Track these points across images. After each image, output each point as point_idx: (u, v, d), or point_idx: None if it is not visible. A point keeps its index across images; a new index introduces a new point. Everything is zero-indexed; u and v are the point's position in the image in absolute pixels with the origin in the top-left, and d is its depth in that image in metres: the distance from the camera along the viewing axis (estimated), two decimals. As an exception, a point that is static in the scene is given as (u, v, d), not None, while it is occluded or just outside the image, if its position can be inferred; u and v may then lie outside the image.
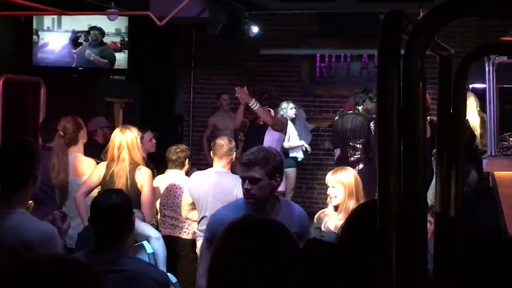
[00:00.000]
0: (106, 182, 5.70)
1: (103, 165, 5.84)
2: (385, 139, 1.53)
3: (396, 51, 1.50)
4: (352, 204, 5.00)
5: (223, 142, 6.17)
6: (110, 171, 5.74)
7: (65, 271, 1.46)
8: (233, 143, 6.30)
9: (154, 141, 6.96)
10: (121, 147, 5.75)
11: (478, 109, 8.26)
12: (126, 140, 5.76)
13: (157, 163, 7.31)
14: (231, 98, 10.54)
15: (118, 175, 5.69)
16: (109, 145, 5.83)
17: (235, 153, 6.25)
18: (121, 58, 9.71)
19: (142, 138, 6.68)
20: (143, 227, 5.26)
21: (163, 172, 7.04)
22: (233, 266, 1.84)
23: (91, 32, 9.60)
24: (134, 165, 5.76)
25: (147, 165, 6.14)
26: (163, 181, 6.78)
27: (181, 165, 6.82)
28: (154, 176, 6.71)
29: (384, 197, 1.48)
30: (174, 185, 6.70)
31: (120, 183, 5.62)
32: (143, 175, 5.76)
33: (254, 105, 7.43)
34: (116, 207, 3.65)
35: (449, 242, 2.13)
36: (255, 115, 7.61)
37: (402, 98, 1.49)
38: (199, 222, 6.11)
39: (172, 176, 6.80)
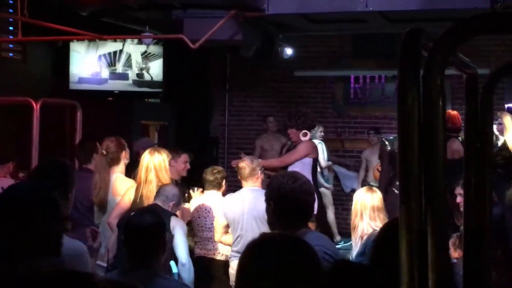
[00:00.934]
0: (137, 205, 5.77)
1: (133, 188, 5.91)
2: (406, 157, 1.54)
3: (415, 68, 1.51)
4: (358, 224, 5.27)
5: (244, 165, 6.28)
6: (139, 194, 5.81)
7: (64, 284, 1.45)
8: (256, 162, 6.38)
9: (188, 165, 7.01)
10: (148, 169, 5.83)
11: None
12: (153, 162, 5.86)
13: (193, 184, 7.38)
14: (276, 120, 10.64)
15: (146, 197, 5.75)
16: (138, 167, 5.92)
17: (259, 171, 6.32)
18: (155, 73, 9.80)
19: (177, 158, 6.78)
20: (176, 248, 5.28)
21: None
22: (254, 282, 1.85)
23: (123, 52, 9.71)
24: (161, 187, 5.82)
25: (181, 189, 6.21)
26: (200, 203, 6.80)
27: (218, 186, 6.85)
28: (187, 198, 6.75)
29: (405, 213, 1.49)
30: (211, 206, 6.72)
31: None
32: None
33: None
34: (148, 226, 3.69)
35: (478, 263, 2.12)
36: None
37: (422, 115, 1.51)
38: (234, 241, 6.13)
39: (210, 197, 6.82)
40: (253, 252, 1.91)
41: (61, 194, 3.48)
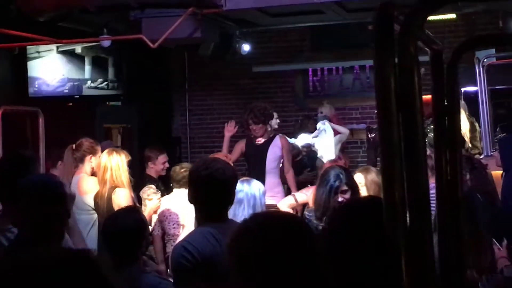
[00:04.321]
0: (96, 205, 5.82)
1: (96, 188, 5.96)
2: (385, 127, 1.60)
3: (390, 40, 1.57)
4: None
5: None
6: (99, 195, 5.87)
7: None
8: None
9: (167, 164, 7.13)
10: (105, 169, 5.86)
11: (467, 113, 8.35)
12: (111, 163, 5.87)
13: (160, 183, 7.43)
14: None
15: (101, 197, 5.80)
16: (97, 168, 5.96)
17: None
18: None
19: (155, 160, 6.87)
20: None
21: (168, 193, 7.09)
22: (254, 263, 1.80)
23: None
24: (112, 188, 5.87)
25: (158, 187, 6.33)
26: (169, 201, 6.80)
27: (185, 185, 6.83)
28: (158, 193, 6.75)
29: (386, 181, 1.55)
30: (182, 204, 6.70)
31: (105, 205, 5.73)
32: (118, 197, 5.83)
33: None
34: (125, 231, 3.70)
35: (453, 239, 2.17)
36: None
37: (399, 85, 1.57)
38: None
39: (179, 196, 6.82)
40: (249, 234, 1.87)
41: None
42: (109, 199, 5.80)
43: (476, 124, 8.41)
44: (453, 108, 2.28)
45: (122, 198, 5.80)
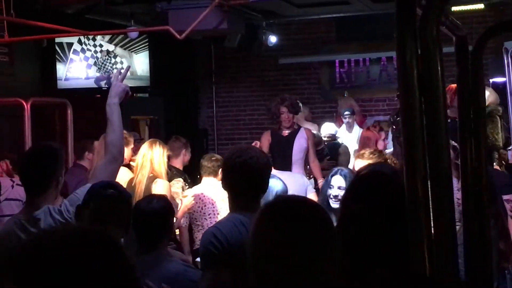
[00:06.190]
0: (130, 190, 5.87)
1: (127, 176, 6.01)
2: (407, 109, 1.61)
3: (412, 23, 1.59)
4: None
5: None
6: (134, 179, 5.95)
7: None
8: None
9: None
10: (145, 158, 5.93)
11: (494, 103, 8.22)
12: (151, 152, 5.98)
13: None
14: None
15: (138, 182, 5.89)
16: (137, 156, 6.04)
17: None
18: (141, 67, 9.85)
19: (186, 150, 6.97)
20: None
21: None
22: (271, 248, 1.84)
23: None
24: (151, 178, 5.93)
25: (185, 180, 6.59)
26: (199, 190, 6.80)
27: (214, 173, 6.84)
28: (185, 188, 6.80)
29: (409, 157, 1.56)
30: (210, 193, 6.72)
31: (139, 190, 5.80)
32: (159, 187, 5.88)
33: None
34: (156, 212, 3.80)
35: (478, 229, 2.17)
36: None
37: (421, 68, 1.58)
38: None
39: (207, 184, 6.81)
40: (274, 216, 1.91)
41: (50, 176, 3.52)
42: (148, 188, 5.85)
43: (497, 116, 8.28)
44: (478, 94, 2.27)
45: (162, 189, 5.85)
